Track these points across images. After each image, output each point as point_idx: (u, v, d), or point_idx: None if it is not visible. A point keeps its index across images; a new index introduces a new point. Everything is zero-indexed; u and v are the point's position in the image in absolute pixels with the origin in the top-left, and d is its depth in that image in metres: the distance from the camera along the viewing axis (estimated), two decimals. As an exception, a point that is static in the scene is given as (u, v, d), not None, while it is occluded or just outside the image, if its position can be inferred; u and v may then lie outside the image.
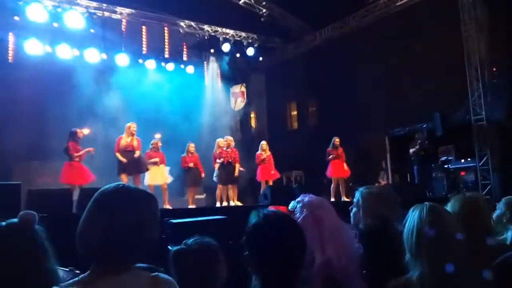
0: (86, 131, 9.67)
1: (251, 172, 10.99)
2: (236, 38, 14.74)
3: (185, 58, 14.43)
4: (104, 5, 12.54)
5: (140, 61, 13.51)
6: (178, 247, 2.09)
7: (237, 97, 16.64)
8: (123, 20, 12.94)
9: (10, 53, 11.89)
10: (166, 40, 13.92)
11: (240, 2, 13.75)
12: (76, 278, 1.39)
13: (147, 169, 9.13)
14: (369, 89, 12.71)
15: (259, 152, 10.67)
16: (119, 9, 12.86)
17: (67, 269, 1.78)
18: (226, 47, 14.37)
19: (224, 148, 10.05)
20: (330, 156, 10.33)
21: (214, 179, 10.14)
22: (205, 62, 15.63)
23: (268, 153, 10.68)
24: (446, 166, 11.25)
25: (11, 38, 11.93)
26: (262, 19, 14.24)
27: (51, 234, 1.58)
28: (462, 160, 11.25)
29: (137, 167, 8.90)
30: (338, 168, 10.34)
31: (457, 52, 10.90)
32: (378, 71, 12.47)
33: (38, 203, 5.79)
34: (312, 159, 11.51)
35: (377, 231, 2.46)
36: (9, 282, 1.44)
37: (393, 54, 12.11)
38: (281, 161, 11.63)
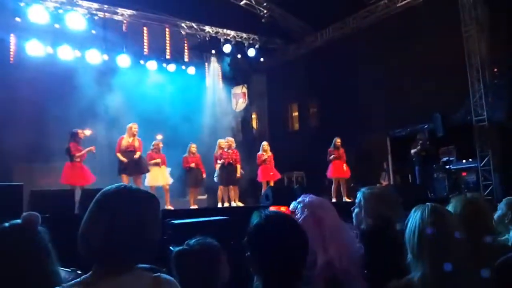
0: (88, 132, 9.68)
1: (252, 172, 10.99)
2: (237, 39, 14.74)
3: (186, 59, 14.44)
4: (106, 6, 12.55)
5: (142, 62, 13.51)
6: (180, 247, 2.09)
7: (238, 98, 16.65)
8: (125, 21, 12.95)
9: (12, 54, 11.90)
10: (167, 41, 13.92)
11: (241, 3, 13.75)
12: (78, 279, 1.39)
13: (148, 170, 9.15)
14: (370, 90, 12.71)
15: (260, 152, 10.69)
16: (120, 10, 12.87)
17: (69, 270, 1.78)
18: (227, 48, 14.38)
19: (225, 149, 10.06)
20: (331, 156, 10.34)
21: (215, 179, 10.15)
22: (206, 63, 15.64)
23: (269, 153, 10.69)
24: (447, 166, 11.25)
25: (12, 39, 11.93)
26: (263, 20, 14.25)
27: (53, 234, 1.59)
28: (464, 161, 11.23)
29: (137, 167, 8.91)
30: (338, 169, 10.35)
31: (457, 52, 10.89)
32: (379, 71, 12.46)
33: (40, 204, 5.80)
34: (313, 159, 11.51)
35: (379, 231, 2.46)
36: (11, 283, 1.44)
37: (394, 54, 12.11)
38: (282, 161, 11.64)
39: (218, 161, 10.01)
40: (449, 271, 1.69)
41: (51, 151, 9.84)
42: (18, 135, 10.34)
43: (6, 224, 1.55)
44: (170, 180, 9.63)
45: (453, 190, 10.10)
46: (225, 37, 14.56)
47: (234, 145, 10.34)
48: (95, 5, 12.40)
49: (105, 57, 12.73)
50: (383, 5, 12.71)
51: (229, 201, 9.89)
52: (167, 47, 13.94)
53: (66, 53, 12.19)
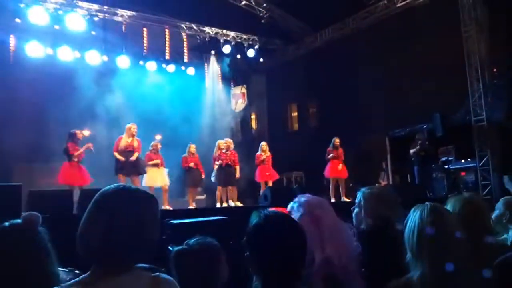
0: (86, 132, 9.70)
1: (251, 173, 11.00)
2: (236, 40, 14.74)
3: (186, 60, 14.45)
4: (105, 7, 12.56)
5: (141, 62, 13.52)
6: (180, 247, 2.09)
7: (238, 98, 16.65)
8: (124, 22, 12.96)
9: (12, 55, 11.91)
10: (167, 42, 13.93)
11: (241, 4, 13.76)
12: (77, 279, 1.39)
13: (145, 172, 9.16)
14: (370, 90, 12.71)
15: (259, 153, 10.69)
16: (120, 11, 12.87)
17: (67, 270, 1.79)
18: (226, 49, 14.39)
19: (224, 151, 10.07)
20: (330, 155, 10.35)
21: (212, 179, 10.15)
22: (205, 64, 15.66)
23: (268, 154, 10.70)
24: (446, 166, 11.25)
25: (12, 40, 11.94)
26: (262, 21, 14.26)
27: (52, 235, 1.59)
28: (462, 161, 11.24)
29: (135, 169, 8.91)
30: (336, 169, 10.36)
31: (457, 52, 10.90)
32: (378, 72, 12.47)
33: (39, 204, 5.80)
34: (313, 160, 11.52)
35: (379, 231, 2.47)
36: (10, 283, 1.44)
37: (394, 55, 12.12)
38: (281, 162, 11.64)
39: (216, 162, 10.02)
40: (448, 271, 1.69)
41: (51, 152, 9.85)
42: (18, 136, 10.36)
43: (6, 224, 1.55)
44: (168, 181, 9.63)
45: (452, 190, 10.09)
46: (224, 37, 14.57)
47: (232, 146, 10.36)
48: (95, 6, 12.41)
49: (105, 58, 12.74)
50: (382, 6, 12.71)
51: (227, 201, 9.90)
52: (167, 48, 13.95)
53: (66, 54, 12.21)
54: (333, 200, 10.09)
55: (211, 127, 13.98)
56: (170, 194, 9.68)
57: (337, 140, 10.45)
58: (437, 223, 1.81)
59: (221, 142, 10.35)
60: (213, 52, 15.00)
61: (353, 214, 2.69)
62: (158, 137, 11.37)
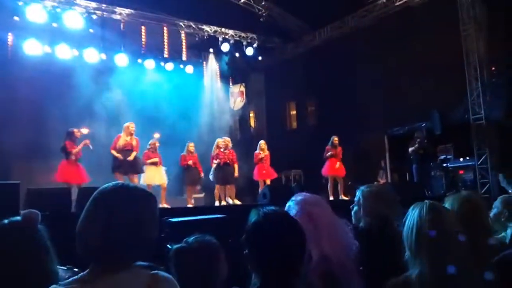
0: (84, 130, 9.69)
1: (250, 171, 11.00)
2: (235, 38, 14.74)
3: (184, 58, 14.46)
4: (104, 5, 12.54)
5: (139, 61, 13.50)
6: (179, 245, 2.09)
7: (236, 96, 16.63)
8: (122, 20, 12.94)
9: (10, 53, 11.88)
10: (165, 40, 13.93)
11: (240, 2, 13.75)
12: (76, 277, 1.38)
13: (142, 171, 9.15)
14: (368, 89, 12.72)
15: (257, 151, 10.70)
16: (118, 9, 12.85)
17: (66, 268, 1.78)
18: (225, 47, 14.39)
19: (222, 149, 10.07)
20: (329, 153, 10.35)
21: (210, 177, 10.15)
22: (204, 62, 15.63)
23: (267, 152, 10.70)
24: (445, 165, 11.27)
25: (10, 38, 11.92)
26: (261, 19, 14.25)
27: (50, 233, 1.59)
28: (461, 159, 11.26)
29: (133, 168, 8.90)
30: (333, 167, 10.36)
31: (456, 51, 10.91)
32: (377, 70, 12.48)
33: (37, 202, 5.78)
34: (311, 158, 11.52)
35: (377, 229, 2.48)
36: (9, 281, 1.44)
37: (392, 53, 12.12)
38: (280, 160, 11.65)
39: (214, 161, 10.02)
40: (447, 269, 1.69)
41: (49, 150, 9.84)
42: (16, 134, 10.34)
43: (6, 221, 1.55)
44: (166, 180, 9.62)
45: (450, 188, 10.12)
46: (223, 36, 14.56)
47: (230, 145, 10.36)
48: (93, 4, 12.39)
49: (103, 56, 12.72)
50: (381, 5, 12.71)
51: (226, 199, 9.90)
52: (165, 46, 13.96)
53: (64, 52, 12.18)
54: (331, 198, 10.10)
55: (210, 126, 13.97)
56: (168, 192, 9.67)
57: (335, 139, 10.45)
58: (436, 221, 1.81)
59: (219, 141, 10.35)
60: (211, 50, 14.99)
61: (352, 212, 2.69)
62: (157, 135, 11.36)
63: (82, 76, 11.60)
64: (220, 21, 14.23)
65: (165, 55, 13.96)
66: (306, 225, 1.75)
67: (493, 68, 10.83)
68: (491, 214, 3.07)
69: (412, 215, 1.88)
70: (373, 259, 2.19)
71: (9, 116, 10.90)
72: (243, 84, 16.66)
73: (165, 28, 13.81)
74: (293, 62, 15.28)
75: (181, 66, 14.30)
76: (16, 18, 11.31)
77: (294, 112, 16.56)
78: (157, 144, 9.76)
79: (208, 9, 13.06)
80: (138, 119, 10.13)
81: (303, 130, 15.21)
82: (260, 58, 15.28)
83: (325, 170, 10.47)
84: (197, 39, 14.54)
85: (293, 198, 2.10)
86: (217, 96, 15.77)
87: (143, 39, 13.41)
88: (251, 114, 17.18)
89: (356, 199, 2.69)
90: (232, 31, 14.69)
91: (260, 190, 9.84)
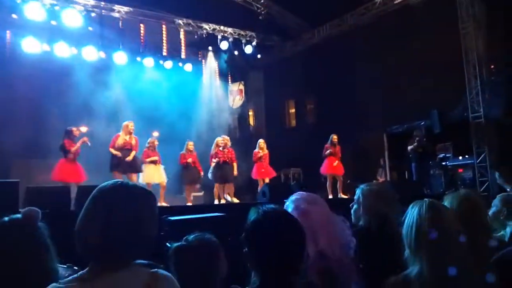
0: (83, 128, 9.67)
1: (249, 170, 11.01)
2: (234, 36, 14.73)
3: (183, 56, 14.44)
4: (102, 3, 12.52)
5: (138, 59, 13.48)
6: (179, 243, 2.09)
7: (235, 95, 16.64)
8: (121, 18, 12.91)
9: (8, 51, 11.86)
10: (164, 38, 13.91)
11: (238, 0, 13.73)
12: (75, 275, 1.39)
13: (141, 170, 9.13)
14: (367, 87, 12.72)
15: (256, 150, 10.71)
16: (117, 7, 12.82)
17: (65, 266, 1.78)
18: (224, 45, 14.38)
19: (221, 148, 10.07)
20: (327, 151, 10.36)
21: (209, 176, 10.15)
22: (203, 60, 15.62)
23: (266, 151, 10.71)
24: (444, 163, 11.28)
25: (8, 36, 11.90)
26: (260, 17, 14.23)
27: (50, 231, 1.58)
28: (460, 157, 11.27)
29: (131, 166, 8.88)
30: (331, 165, 10.37)
31: (455, 49, 10.90)
32: (376, 69, 12.47)
33: (37, 201, 5.77)
34: (310, 156, 11.51)
35: (377, 228, 2.48)
36: (9, 278, 1.44)
37: (391, 52, 12.12)
38: (279, 158, 11.64)
39: (213, 160, 10.02)
40: (448, 271, 1.69)
41: (49, 148, 9.82)
42: (15, 132, 10.34)
43: (6, 219, 1.54)
44: (165, 179, 9.61)
45: (450, 187, 10.12)
46: (222, 34, 14.54)
47: (229, 143, 10.35)
48: (92, 2, 12.37)
49: (102, 54, 12.71)
50: (380, 3, 12.70)
51: (224, 195, 9.92)
52: (164, 44, 13.94)
53: (63, 50, 12.17)
54: (330, 196, 10.12)
55: (209, 124, 13.96)
56: (167, 191, 9.67)
57: (334, 137, 10.46)
58: (436, 220, 1.81)
59: (219, 140, 10.34)
60: (210, 48, 14.97)
61: (352, 211, 2.70)
62: (156, 133, 11.35)
63: (81, 74, 11.58)
64: (219, 19, 14.22)
65: (164, 53, 13.95)
66: (302, 223, 1.75)
67: (492, 66, 10.83)
68: (490, 213, 3.07)
69: (412, 213, 1.88)
70: (373, 257, 2.20)
71: (7, 115, 10.88)
72: (242, 82, 16.66)
73: (164, 26, 13.79)
74: (292, 60, 15.27)
75: (180, 64, 14.28)
76: (14, 16, 11.29)
77: (293, 110, 16.56)
78: (156, 143, 9.74)
79: (207, 7, 13.04)
80: (137, 117, 10.12)
81: (302, 128, 15.20)
82: (259, 56, 15.26)
83: (323, 169, 10.48)
84: (196, 37, 14.51)
85: (290, 198, 2.11)
86: (216, 94, 15.75)
87: (142, 37, 13.39)
88: (250, 112, 17.17)
89: (356, 197, 2.70)
90: (231, 29, 14.68)
91: (259, 188, 9.85)
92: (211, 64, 15.65)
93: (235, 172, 10.13)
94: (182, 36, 14.23)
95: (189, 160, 9.84)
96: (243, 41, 14.74)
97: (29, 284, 1.47)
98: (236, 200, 9.94)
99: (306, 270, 1.79)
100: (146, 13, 13.29)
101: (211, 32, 14.44)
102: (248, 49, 14.67)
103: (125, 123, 9.10)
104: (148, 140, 9.71)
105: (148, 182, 9.01)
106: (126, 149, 8.81)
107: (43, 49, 12.01)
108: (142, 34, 13.39)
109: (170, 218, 4.64)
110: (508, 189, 5.49)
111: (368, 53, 12.77)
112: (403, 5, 12.10)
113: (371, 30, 12.75)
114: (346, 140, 11.09)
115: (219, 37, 14.42)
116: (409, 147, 10.50)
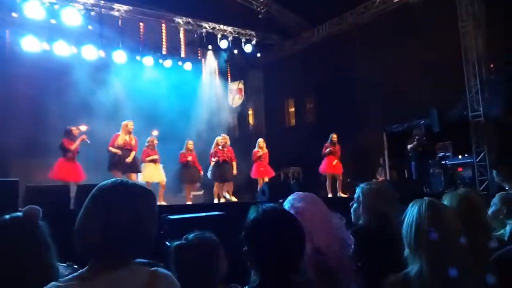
0: (83, 127, 9.65)
1: (248, 169, 11.00)
2: (234, 35, 14.71)
3: (182, 55, 14.43)
4: (102, 2, 12.51)
5: (138, 58, 13.46)
6: (179, 242, 2.09)
7: (235, 94, 16.62)
8: (121, 16, 12.90)
9: (7, 50, 11.84)
10: (164, 37, 13.90)
11: (238, -1, 13.75)
12: (75, 274, 1.39)
13: (140, 171, 9.12)
14: (367, 86, 12.71)
15: (256, 149, 10.71)
16: (116, 6, 12.81)
17: (65, 265, 1.78)
18: (224, 44, 14.37)
19: (220, 147, 10.07)
20: (327, 150, 10.37)
21: (208, 175, 10.15)
22: (202, 59, 15.60)
23: (265, 150, 10.71)
24: (443, 162, 11.28)
25: (8, 35, 11.88)
26: (260, 16, 14.23)
27: (49, 230, 1.58)
28: (460, 156, 11.27)
29: (131, 166, 8.86)
30: (330, 165, 10.37)
31: (454, 48, 10.91)
32: (376, 68, 12.46)
33: (36, 200, 5.75)
34: (310, 155, 11.51)
35: (376, 227, 2.48)
36: (9, 276, 1.44)
37: (391, 50, 12.10)
38: (278, 157, 11.64)
39: (213, 159, 10.02)
40: (449, 272, 1.69)
41: (48, 147, 9.79)
42: (14, 131, 10.33)
43: (7, 217, 1.54)
44: (164, 178, 9.61)
45: (449, 186, 10.12)
46: (221, 32, 14.53)
47: (229, 142, 10.35)
48: (91, 1, 12.35)
49: (101, 53, 12.68)
50: (380, 1, 12.70)
51: (223, 194, 9.91)
52: (164, 43, 13.93)
53: (62, 49, 12.15)
54: (330, 195, 10.13)
55: (208, 123, 13.94)
56: (167, 190, 9.66)
57: (334, 136, 10.46)
58: (435, 218, 1.81)
59: (219, 139, 10.35)
60: (210, 47, 14.93)
61: (352, 210, 2.70)
62: (155, 132, 11.33)
63: (80, 73, 11.55)
64: (218, 18, 14.21)
65: (164, 52, 13.94)
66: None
67: (492, 65, 10.83)
68: (490, 212, 3.07)
69: (412, 212, 1.88)
70: (372, 256, 2.20)
71: (7, 113, 10.87)
72: (242, 81, 16.64)
73: (163, 25, 13.78)
74: (292, 59, 15.26)
75: (180, 63, 14.27)
76: (14, 14, 11.28)
77: (292, 109, 16.54)
78: (156, 142, 9.73)
79: (207, 6, 13.03)
80: (136, 116, 10.10)
81: (302, 127, 15.20)
82: (258, 55, 15.24)
83: (322, 168, 10.48)
84: (195, 36, 14.51)
85: (288, 198, 2.12)
86: (216, 93, 15.73)
87: (142, 36, 13.38)
88: (250, 111, 17.17)
89: (355, 196, 2.70)
90: (231, 28, 14.66)
91: (258, 187, 9.85)
92: (210, 63, 15.63)
93: (235, 171, 10.12)
94: (181, 35, 14.22)
95: (189, 159, 9.84)
96: (243, 40, 14.73)
97: (29, 282, 1.47)
98: (235, 199, 9.94)
99: (305, 268, 1.80)
100: (145, 12, 13.28)
101: (210, 31, 14.43)
102: (248, 48, 14.65)
103: (125, 122, 9.07)
104: (148, 139, 9.69)
105: (147, 181, 9.00)
106: (126, 149, 8.79)
107: (42, 48, 11.98)
108: (141, 33, 13.38)
109: (169, 217, 4.63)
110: (506, 188, 5.49)
111: (368, 52, 12.76)
112: (403, 4, 12.09)
113: (371, 29, 12.75)
114: (346, 139, 11.09)
115: (219, 36, 14.41)
116: (409, 146, 10.50)
